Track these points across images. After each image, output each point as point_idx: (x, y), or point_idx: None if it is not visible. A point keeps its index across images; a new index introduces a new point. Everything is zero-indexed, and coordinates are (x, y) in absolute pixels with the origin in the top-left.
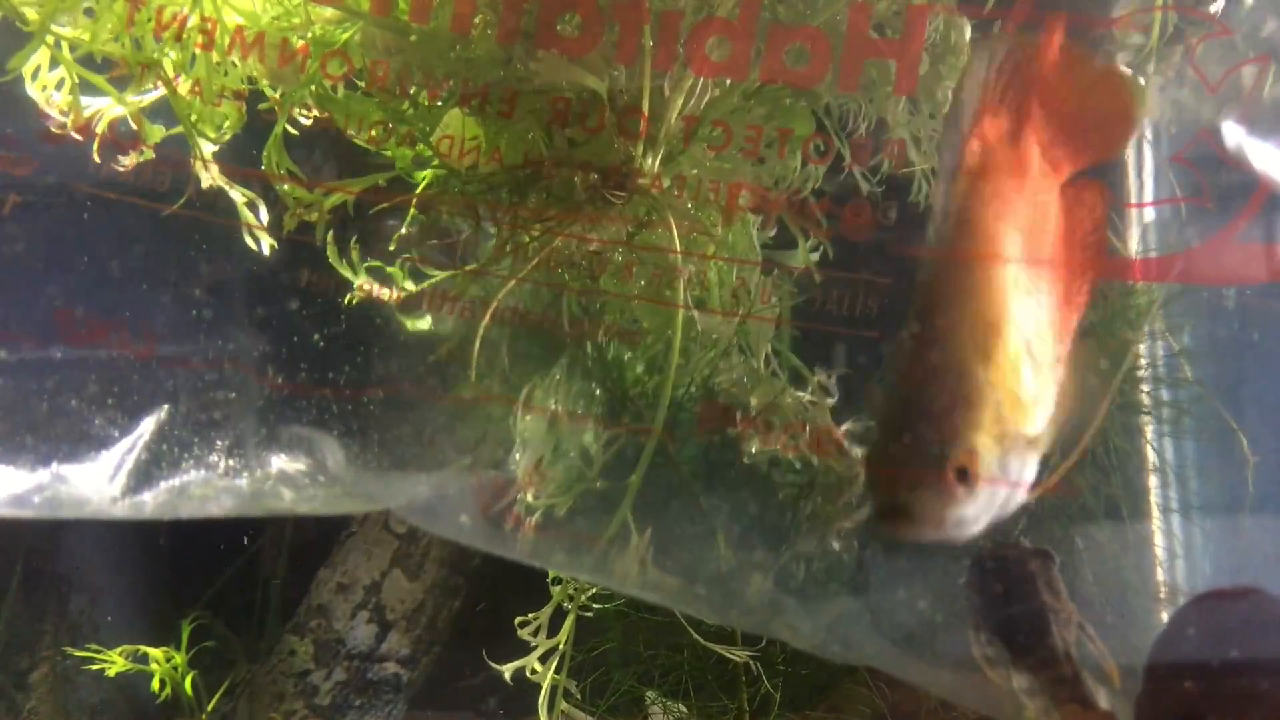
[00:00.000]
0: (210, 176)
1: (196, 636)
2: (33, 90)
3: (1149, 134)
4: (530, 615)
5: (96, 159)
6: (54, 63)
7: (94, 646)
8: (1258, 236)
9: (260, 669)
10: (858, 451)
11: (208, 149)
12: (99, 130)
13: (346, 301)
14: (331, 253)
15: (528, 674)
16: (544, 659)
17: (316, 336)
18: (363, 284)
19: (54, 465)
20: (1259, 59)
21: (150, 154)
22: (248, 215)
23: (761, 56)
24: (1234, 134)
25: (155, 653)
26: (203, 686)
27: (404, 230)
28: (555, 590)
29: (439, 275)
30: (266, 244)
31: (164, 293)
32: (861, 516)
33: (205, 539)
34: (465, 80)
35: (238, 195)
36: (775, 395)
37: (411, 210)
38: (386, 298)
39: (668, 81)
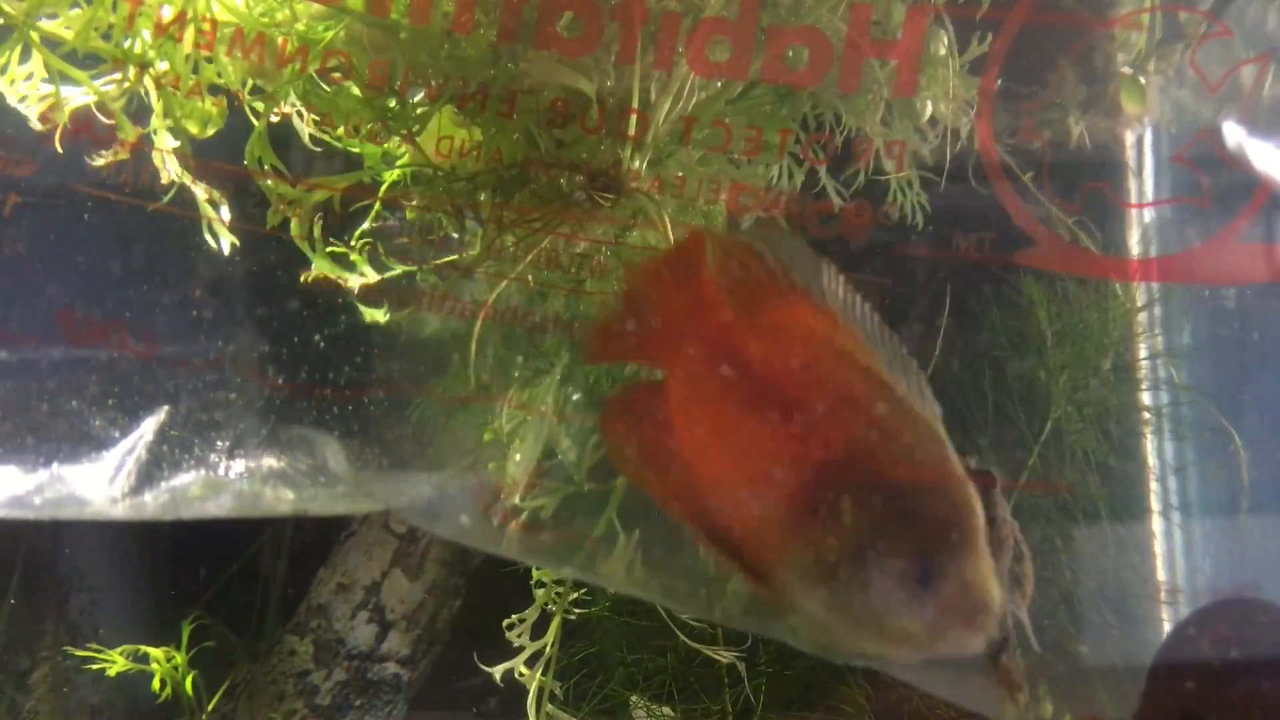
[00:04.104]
0: (174, 172)
1: (196, 636)
2: (1, 83)
3: (1149, 134)
4: (515, 617)
5: (59, 149)
6: (24, 56)
7: (94, 646)
8: (1258, 236)
9: (260, 669)
10: None
11: (171, 143)
12: (64, 118)
13: (301, 280)
14: (294, 227)
15: (515, 675)
16: (531, 661)
17: (317, 337)
18: (320, 267)
19: (54, 466)
20: (1259, 59)
21: (125, 154)
22: (209, 211)
23: (760, 58)
24: (1234, 134)
25: (155, 653)
26: (203, 686)
27: (366, 225)
28: (539, 593)
29: (400, 268)
30: (227, 241)
31: (164, 293)
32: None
33: (205, 539)
34: (460, 80)
35: (200, 192)
36: None
37: (377, 206)
38: (344, 282)
39: (655, 83)
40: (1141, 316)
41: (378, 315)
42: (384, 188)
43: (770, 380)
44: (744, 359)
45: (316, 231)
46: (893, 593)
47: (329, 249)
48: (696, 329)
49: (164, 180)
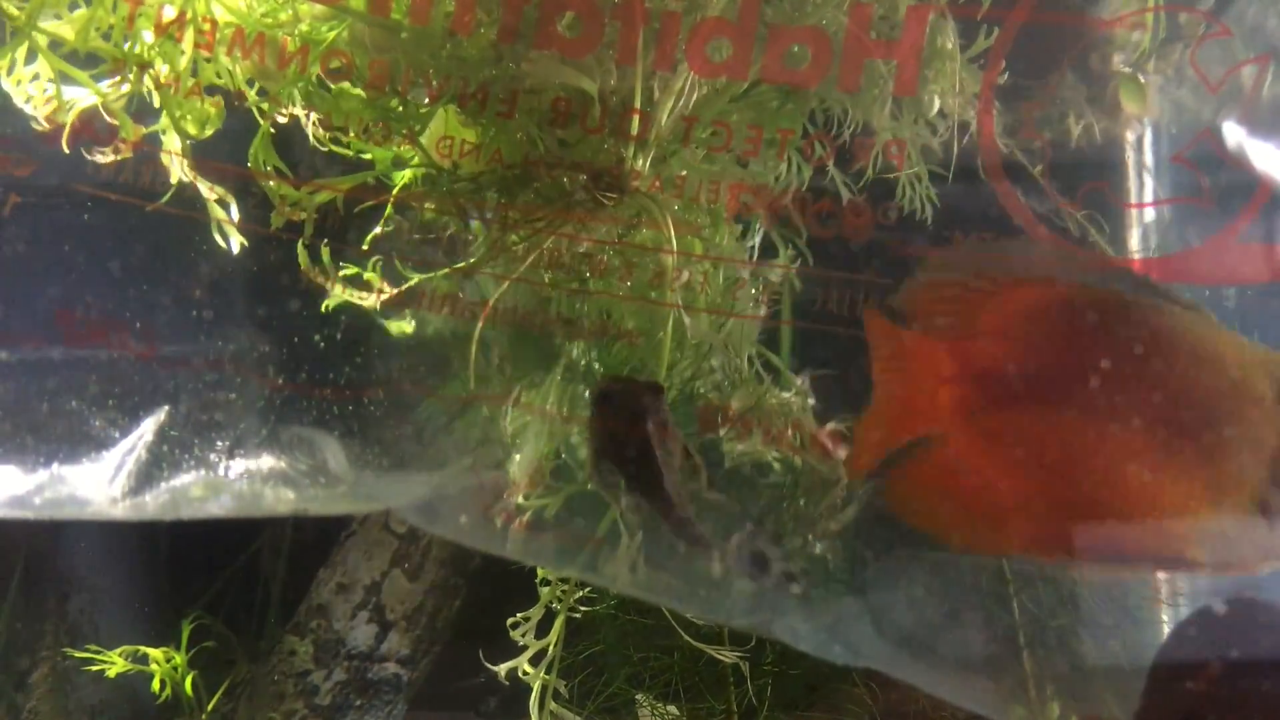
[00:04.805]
0: (182, 172)
1: (196, 636)
2: (6, 84)
3: (1149, 134)
4: (520, 615)
5: (66, 149)
6: (30, 57)
7: (94, 647)
8: (1258, 236)
9: (260, 669)
10: (843, 452)
11: (177, 144)
12: (67, 120)
13: (323, 309)
14: (302, 258)
15: (520, 675)
16: (535, 660)
17: (317, 337)
18: (338, 289)
19: (55, 466)
20: (1259, 59)
21: (128, 152)
22: (218, 211)
23: (761, 57)
24: (1234, 134)
25: (155, 653)
26: (203, 686)
27: (379, 230)
28: (544, 591)
29: (416, 277)
30: (236, 241)
31: (164, 293)
32: (847, 517)
33: (205, 539)
34: (461, 80)
35: (206, 191)
36: (758, 396)
37: (388, 210)
38: (365, 302)
39: (657, 82)
40: None
41: (405, 327)
42: (395, 190)
43: (1053, 371)
44: (1011, 373)
45: (326, 256)
46: None
47: (342, 270)
48: (948, 384)
49: (173, 181)
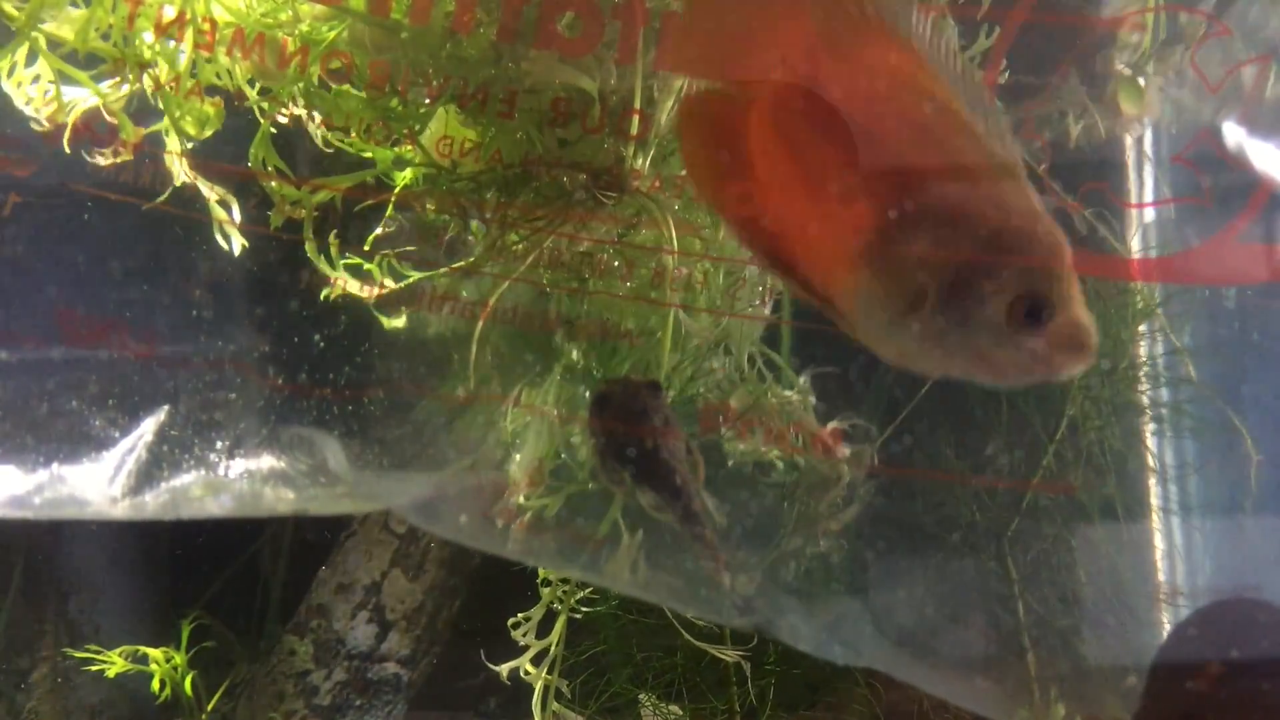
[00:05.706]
0: (184, 172)
1: (196, 636)
2: (7, 85)
3: (1149, 134)
4: (521, 615)
5: (67, 149)
6: (30, 58)
7: (94, 647)
8: (1258, 236)
9: (260, 669)
10: (845, 451)
11: (177, 145)
12: (69, 120)
13: (323, 297)
14: (309, 247)
15: (521, 675)
16: (537, 660)
17: (317, 337)
18: (340, 280)
19: (54, 466)
20: (1259, 59)
21: (129, 153)
22: (219, 212)
23: None
24: (1234, 134)
25: (155, 653)
26: (202, 686)
27: (380, 230)
28: (545, 591)
29: (415, 275)
30: (238, 242)
31: (164, 293)
32: (848, 517)
33: (205, 539)
34: (461, 80)
35: (208, 191)
36: (758, 396)
37: (389, 209)
38: (364, 295)
39: (657, 82)
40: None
41: (396, 323)
42: (397, 189)
43: (850, 110)
44: (825, 87)
45: (334, 249)
46: (998, 327)
47: (344, 260)
48: (784, 51)
49: (176, 181)
